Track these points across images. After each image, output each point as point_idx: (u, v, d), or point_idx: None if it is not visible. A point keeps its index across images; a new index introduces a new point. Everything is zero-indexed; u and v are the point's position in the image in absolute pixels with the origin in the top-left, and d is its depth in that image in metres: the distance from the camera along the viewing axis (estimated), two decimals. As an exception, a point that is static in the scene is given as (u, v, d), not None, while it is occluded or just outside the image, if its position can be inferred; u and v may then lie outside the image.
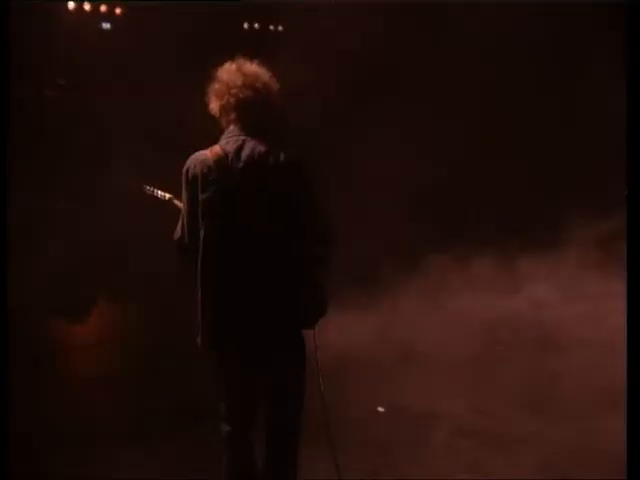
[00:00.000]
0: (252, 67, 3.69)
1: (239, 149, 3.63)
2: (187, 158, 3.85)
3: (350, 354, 5.70)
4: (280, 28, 9.29)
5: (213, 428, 3.85)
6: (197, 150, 3.78)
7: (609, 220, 6.73)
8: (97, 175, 8.13)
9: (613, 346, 5.57)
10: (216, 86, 3.70)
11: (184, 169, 3.66)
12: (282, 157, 3.62)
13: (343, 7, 8.13)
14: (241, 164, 3.60)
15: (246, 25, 9.39)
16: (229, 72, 3.69)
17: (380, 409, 5.27)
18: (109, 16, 9.36)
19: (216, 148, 3.66)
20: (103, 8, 9.42)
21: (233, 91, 3.65)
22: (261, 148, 3.62)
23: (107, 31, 9.48)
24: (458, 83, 8.80)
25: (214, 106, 3.71)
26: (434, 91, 8.70)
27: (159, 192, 4.08)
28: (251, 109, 3.65)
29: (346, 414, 4.83)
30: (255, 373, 3.72)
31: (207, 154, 3.65)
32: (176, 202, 3.91)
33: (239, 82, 3.64)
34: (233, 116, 3.67)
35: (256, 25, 9.42)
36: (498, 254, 6.99)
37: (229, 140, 3.67)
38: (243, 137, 3.64)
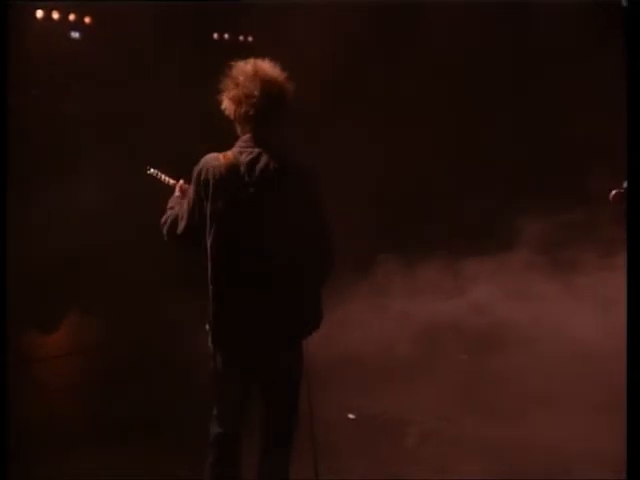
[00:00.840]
0: (269, 71, 3.64)
1: (253, 162, 3.61)
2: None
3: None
4: (250, 38, 9.35)
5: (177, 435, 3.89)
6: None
7: (558, 223, 6.80)
8: (67, 183, 8.11)
9: (560, 346, 5.67)
10: (232, 90, 3.64)
11: (196, 169, 3.65)
12: (295, 174, 3.63)
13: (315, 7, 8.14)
14: (254, 178, 3.59)
15: (216, 35, 9.39)
16: (246, 76, 3.62)
17: (351, 416, 5.32)
18: (78, 25, 9.31)
19: (229, 155, 3.64)
20: (72, 17, 9.37)
21: (252, 101, 3.60)
22: (275, 163, 3.60)
23: (76, 40, 9.42)
24: (421, 91, 8.88)
25: (229, 108, 3.67)
26: (400, 95, 8.76)
27: (163, 176, 4.03)
28: (269, 120, 3.63)
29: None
30: (253, 377, 3.78)
31: (220, 159, 3.62)
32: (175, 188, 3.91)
33: (257, 91, 3.58)
34: (250, 126, 3.64)
35: (226, 35, 9.42)
36: (448, 257, 7.04)
37: (244, 150, 3.64)
38: (258, 149, 3.62)
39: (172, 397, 5.46)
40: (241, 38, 9.41)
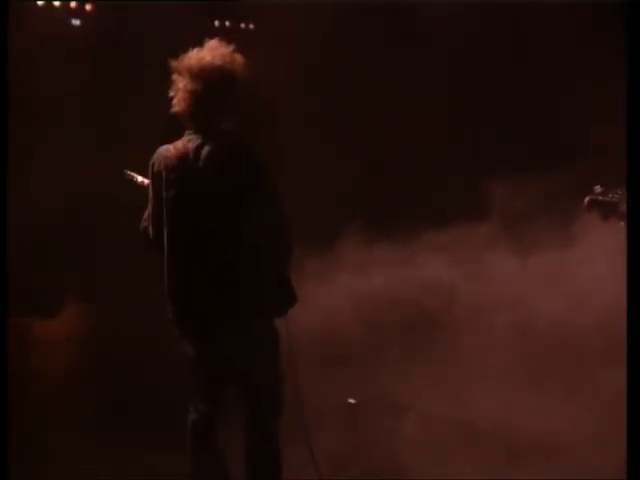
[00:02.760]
0: (208, 60, 3.60)
1: (198, 148, 3.62)
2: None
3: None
4: (251, 26, 9.36)
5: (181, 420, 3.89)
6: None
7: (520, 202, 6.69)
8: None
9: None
10: (172, 84, 3.66)
11: (150, 163, 3.69)
12: (241, 157, 3.62)
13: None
14: (201, 164, 3.60)
15: (217, 22, 9.39)
16: (182, 69, 3.62)
17: (351, 400, 5.30)
18: (79, 12, 9.30)
19: (179, 145, 3.66)
20: (73, 4, 9.36)
21: (183, 85, 3.60)
22: (220, 149, 3.60)
23: (77, 27, 9.41)
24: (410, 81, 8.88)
25: (174, 103, 3.68)
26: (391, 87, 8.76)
27: (138, 177, 4.04)
28: (208, 107, 3.61)
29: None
30: (224, 363, 3.77)
31: (170, 150, 3.65)
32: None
33: (190, 84, 3.58)
34: (188, 113, 3.64)
35: (227, 22, 9.43)
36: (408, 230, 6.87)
37: (190, 137, 3.66)
38: (202, 135, 3.63)
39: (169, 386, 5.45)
40: (242, 25, 9.41)
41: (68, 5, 9.36)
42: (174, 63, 3.67)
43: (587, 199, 4.03)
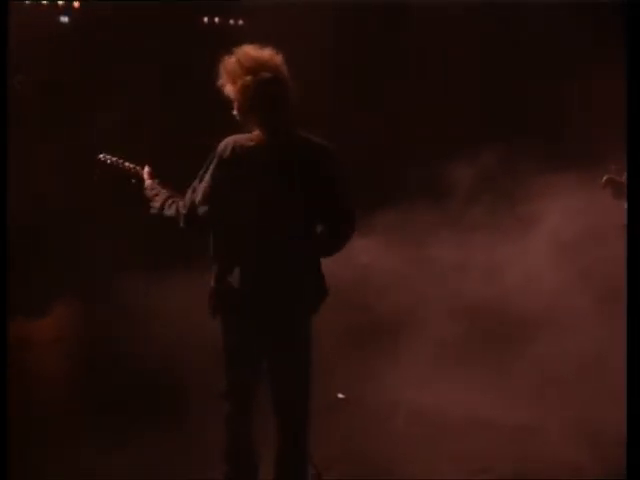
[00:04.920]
0: (272, 58, 3.78)
1: (276, 140, 3.78)
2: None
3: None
4: (240, 22, 9.34)
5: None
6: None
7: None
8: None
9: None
10: (239, 81, 3.73)
11: (220, 147, 3.76)
12: (315, 150, 3.81)
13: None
14: (281, 156, 3.77)
15: (206, 19, 9.38)
16: (249, 66, 3.73)
17: (340, 395, 5.30)
18: (67, 9, 9.25)
19: (253, 135, 3.80)
20: (61, 2, 9.30)
21: (267, 88, 3.73)
22: (297, 141, 3.80)
23: (65, 25, 9.36)
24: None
25: (238, 99, 3.78)
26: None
27: (120, 161, 4.06)
28: (279, 102, 3.78)
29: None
30: (259, 352, 3.82)
31: (244, 138, 3.78)
32: (142, 174, 3.91)
33: (269, 76, 3.73)
34: (264, 112, 3.77)
35: (216, 19, 9.42)
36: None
37: (265, 130, 3.80)
38: (277, 129, 3.80)
39: (163, 382, 5.44)
40: (232, 22, 9.41)
41: (56, 3, 9.29)
42: (236, 61, 3.74)
43: (605, 177, 4.29)
